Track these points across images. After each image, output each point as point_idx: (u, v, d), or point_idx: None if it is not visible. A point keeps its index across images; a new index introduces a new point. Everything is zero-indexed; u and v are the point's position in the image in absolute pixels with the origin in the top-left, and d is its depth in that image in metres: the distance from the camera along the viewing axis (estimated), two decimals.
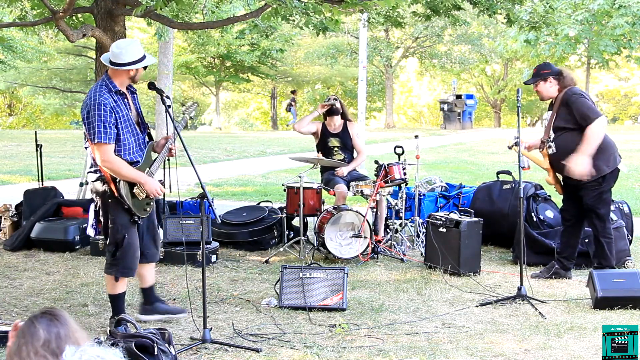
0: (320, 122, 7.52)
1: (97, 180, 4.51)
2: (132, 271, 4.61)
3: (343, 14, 6.86)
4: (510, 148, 5.75)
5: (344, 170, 7.24)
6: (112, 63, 4.47)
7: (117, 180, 4.44)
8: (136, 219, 4.53)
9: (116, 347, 3.37)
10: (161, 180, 4.73)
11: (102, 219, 4.58)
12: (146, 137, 4.70)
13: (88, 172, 4.64)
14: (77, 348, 2.04)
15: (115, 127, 4.39)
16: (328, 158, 7.18)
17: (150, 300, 4.88)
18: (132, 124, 4.53)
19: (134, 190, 4.48)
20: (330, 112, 7.38)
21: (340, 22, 6.94)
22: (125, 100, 4.53)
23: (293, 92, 31.14)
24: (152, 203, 4.64)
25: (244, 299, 5.38)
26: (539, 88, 5.76)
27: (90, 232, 4.76)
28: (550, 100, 5.81)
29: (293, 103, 29.23)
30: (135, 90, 4.71)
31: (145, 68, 4.58)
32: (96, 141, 4.34)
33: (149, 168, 4.60)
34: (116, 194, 4.44)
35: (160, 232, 6.87)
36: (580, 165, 5.46)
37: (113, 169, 4.40)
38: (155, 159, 4.68)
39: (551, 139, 5.72)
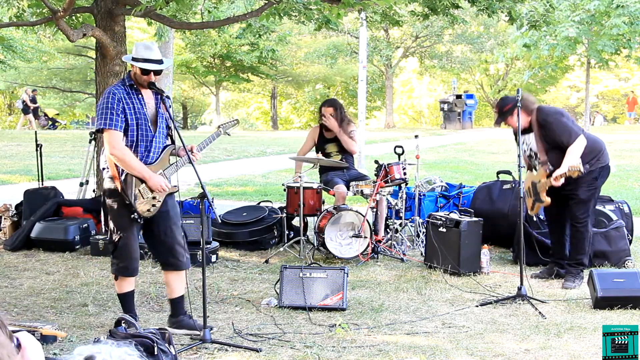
0: (317, 131, 7.49)
1: (105, 177, 4.49)
2: (130, 271, 4.55)
3: (342, 12, 6.85)
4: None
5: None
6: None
7: (124, 177, 4.36)
8: (136, 217, 4.42)
9: (129, 344, 3.37)
10: (176, 186, 4.67)
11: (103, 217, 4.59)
12: (164, 139, 4.60)
13: (103, 169, 4.58)
14: (85, 347, 1.98)
15: (124, 116, 4.35)
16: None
17: (175, 312, 4.70)
18: (145, 120, 4.44)
19: (140, 188, 4.38)
20: (326, 127, 7.36)
21: (343, 15, 6.89)
22: (140, 95, 4.47)
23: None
24: (157, 205, 4.48)
25: (244, 299, 5.38)
26: (511, 123, 5.83)
27: None
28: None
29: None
30: (161, 92, 4.56)
31: (159, 73, 4.49)
32: (103, 127, 4.32)
33: (163, 170, 4.53)
34: (120, 190, 4.37)
35: None
36: (571, 162, 5.46)
37: (120, 159, 4.33)
38: (173, 163, 4.61)
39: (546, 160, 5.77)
